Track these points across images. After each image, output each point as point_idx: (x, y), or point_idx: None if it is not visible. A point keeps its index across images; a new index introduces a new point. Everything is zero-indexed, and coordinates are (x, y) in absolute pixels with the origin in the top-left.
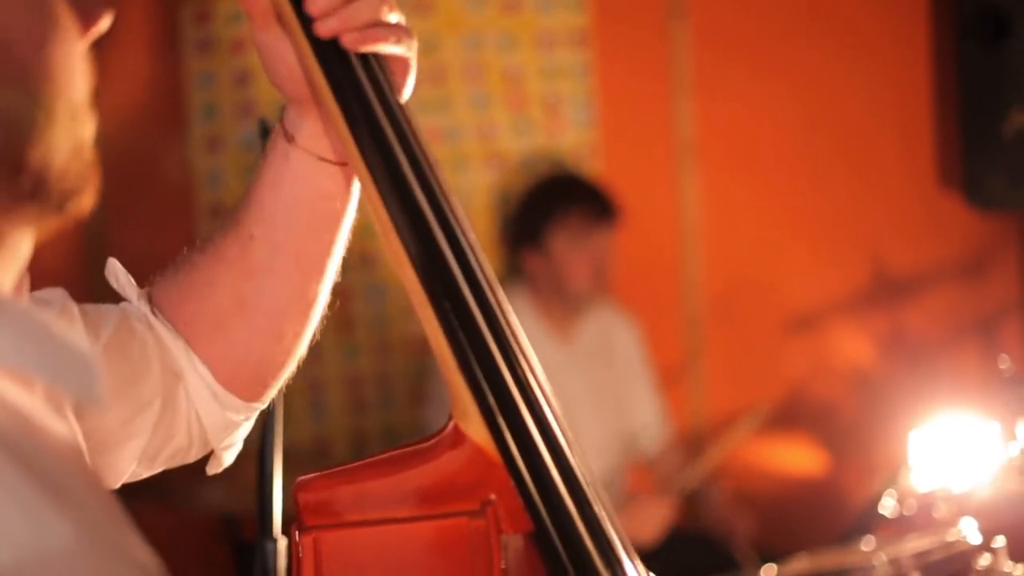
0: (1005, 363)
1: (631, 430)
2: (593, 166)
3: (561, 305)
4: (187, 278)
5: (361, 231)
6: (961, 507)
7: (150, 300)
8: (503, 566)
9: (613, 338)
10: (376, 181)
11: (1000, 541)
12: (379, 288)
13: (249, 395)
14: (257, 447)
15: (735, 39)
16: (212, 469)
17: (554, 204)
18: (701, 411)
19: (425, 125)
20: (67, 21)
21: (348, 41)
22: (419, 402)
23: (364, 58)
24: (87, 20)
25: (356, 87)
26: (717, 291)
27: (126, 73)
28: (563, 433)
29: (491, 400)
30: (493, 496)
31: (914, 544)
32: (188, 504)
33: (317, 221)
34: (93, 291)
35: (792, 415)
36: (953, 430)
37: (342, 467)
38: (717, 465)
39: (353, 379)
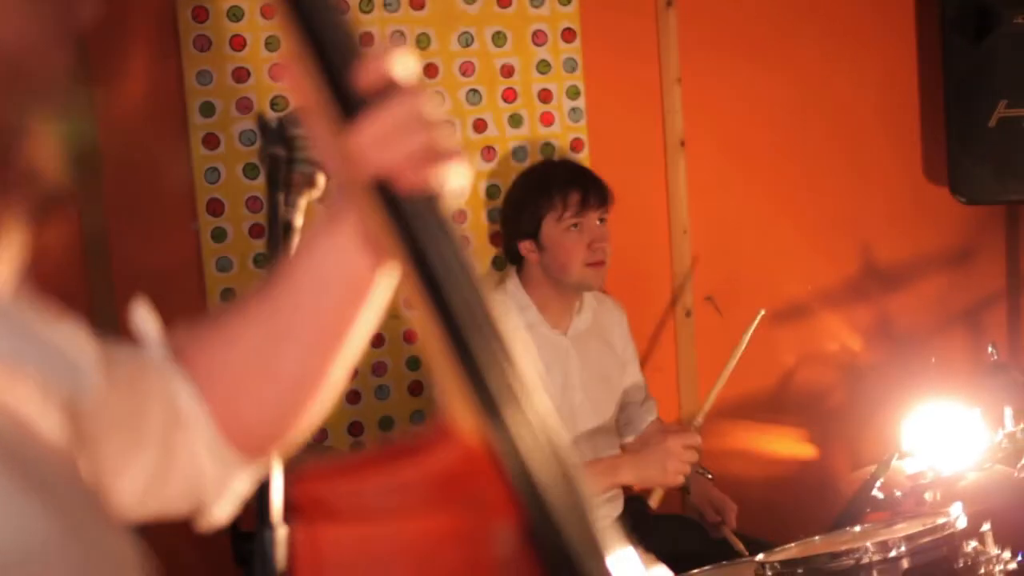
0: (992, 351)
1: (625, 412)
2: (584, 158)
3: (558, 294)
4: (209, 332)
5: None
6: (949, 492)
7: (166, 346)
8: (496, 556)
9: (604, 321)
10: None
11: (987, 525)
12: None
13: (250, 454)
14: None
15: (724, 34)
16: (202, 524)
17: (543, 193)
18: (693, 401)
19: None
20: (50, 19)
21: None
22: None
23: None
24: (72, 17)
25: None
26: (707, 282)
27: (126, 70)
28: (552, 424)
29: (481, 394)
30: (486, 487)
31: (902, 528)
32: None
33: (346, 299)
34: (92, 287)
35: (782, 403)
36: (941, 417)
37: (340, 460)
38: (723, 392)
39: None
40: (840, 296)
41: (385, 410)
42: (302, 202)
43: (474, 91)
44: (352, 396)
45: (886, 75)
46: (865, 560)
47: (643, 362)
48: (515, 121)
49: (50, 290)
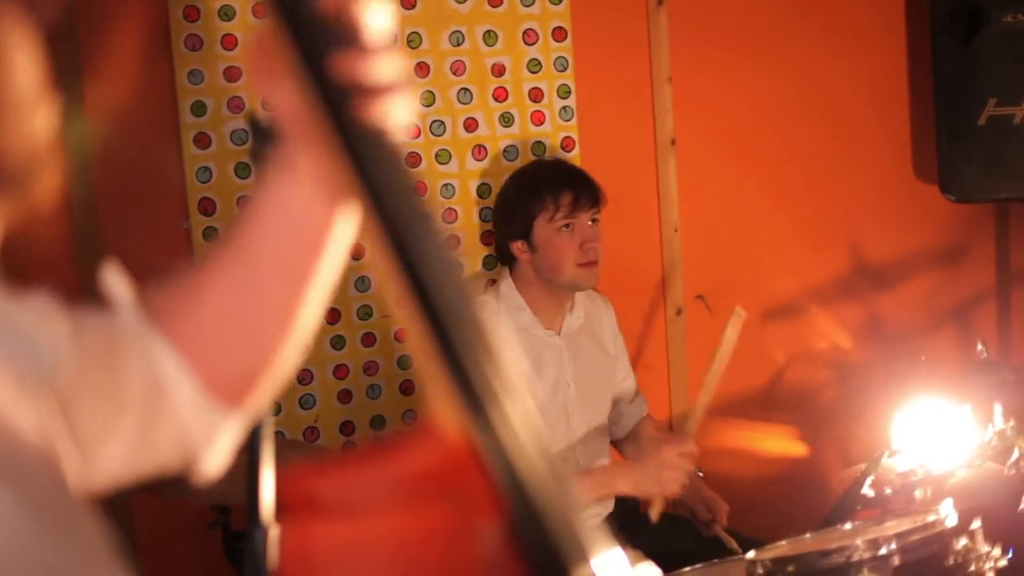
0: (981, 349)
1: (616, 409)
2: (575, 157)
3: (550, 294)
4: (178, 290)
5: None
6: (939, 490)
7: (139, 308)
8: (482, 553)
9: (594, 317)
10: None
11: (977, 523)
12: (365, 279)
13: (233, 402)
14: (247, 436)
15: (715, 33)
16: (197, 476)
17: (535, 194)
18: (683, 399)
19: None
20: (10, 20)
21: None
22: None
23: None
24: (38, 16)
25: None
26: (698, 280)
27: (117, 70)
28: (537, 422)
29: (466, 392)
30: (471, 486)
31: (893, 526)
32: (179, 493)
33: (308, 243)
34: (85, 283)
35: (773, 401)
36: (931, 415)
37: (327, 458)
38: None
39: (340, 369)
40: (830, 294)
41: (377, 409)
42: None
43: (465, 90)
44: (344, 395)
45: (876, 74)
46: (855, 558)
47: (634, 360)
48: (506, 120)
49: (40, 288)
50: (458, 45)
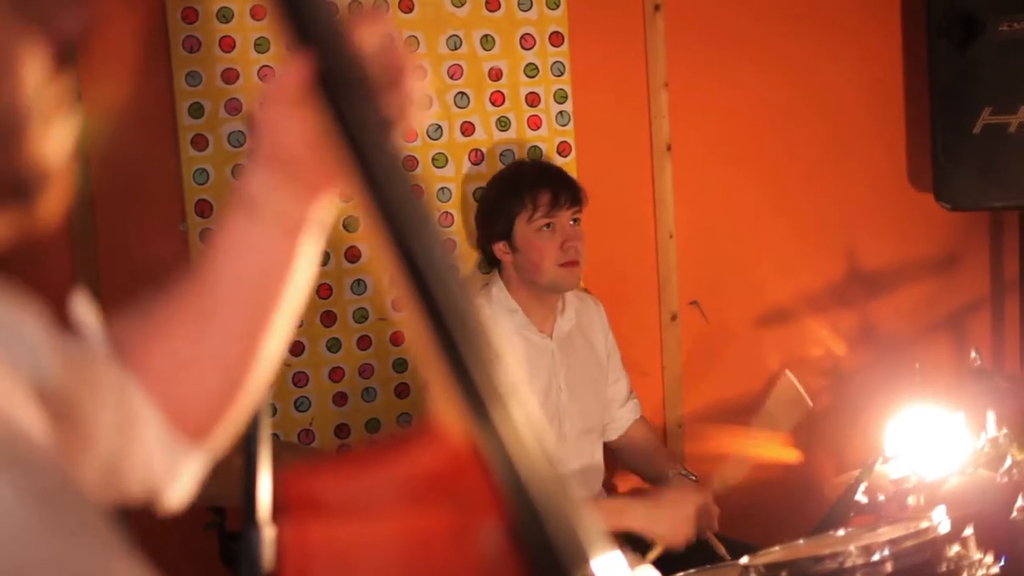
0: (975, 357)
1: (608, 411)
2: (571, 162)
3: (537, 296)
4: (138, 324)
5: (345, 226)
6: (932, 497)
7: (107, 340)
8: (483, 554)
9: (585, 319)
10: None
11: (969, 530)
12: (361, 282)
13: (196, 437)
14: (243, 436)
15: (712, 39)
16: (159, 510)
17: (515, 194)
18: (678, 405)
19: None
20: (24, 37)
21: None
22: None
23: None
24: (53, 32)
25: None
26: (693, 286)
27: (114, 72)
28: (539, 423)
29: (469, 392)
30: (473, 486)
31: (886, 532)
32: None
33: (270, 284)
34: (80, 286)
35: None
36: (925, 422)
37: (329, 459)
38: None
39: (336, 372)
40: (825, 301)
41: (372, 412)
42: None
43: (462, 94)
44: (339, 398)
45: (873, 80)
46: (849, 563)
47: (628, 366)
48: (503, 124)
49: (37, 291)
50: (455, 49)
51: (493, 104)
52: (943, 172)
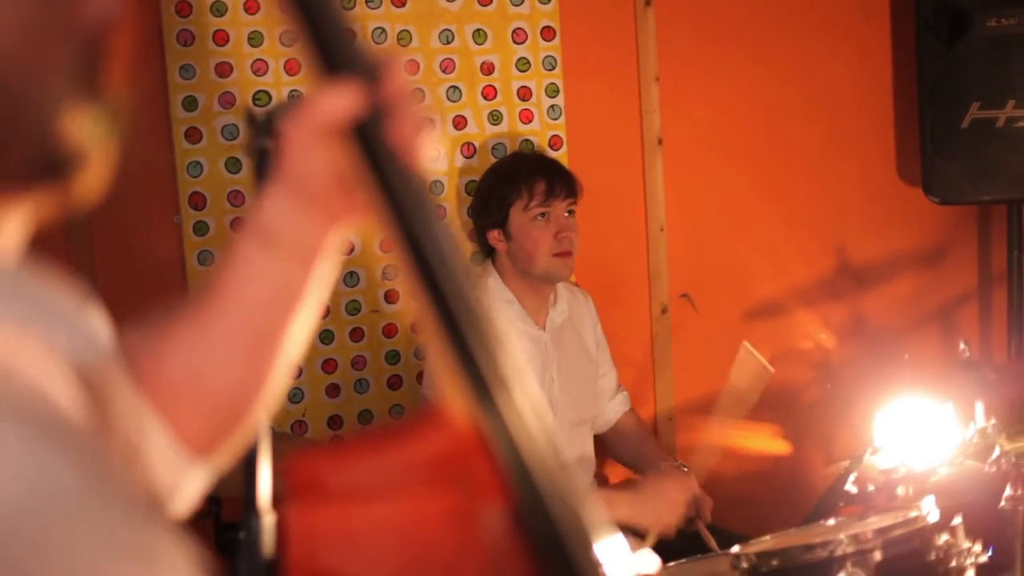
0: (963, 348)
1: (598, 403)
2: (562, 155)
3: (531, 286)
4: (146, 343)
5: None
6: (921, 486)
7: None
8: (486, 537)
9: (576, 312)
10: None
11: (958, 519)
12: (354, 274)
13: (201, 453)
14: None
15: (702, 33)
16: None
17: (511, 183)
18: (669, 398)
19: None
20: (63, 19)
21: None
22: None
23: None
24: (74, 21)
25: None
26: (684, 279)
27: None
28: (541, 408)
29: (473, 377)
30: (477, 470)
31: (875, 521)
32: None
33: (279, 312)
34: (74, 279)
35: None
36: (913, 413)
37: (331, 445)
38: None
39: (328, 363)
40: (815, 294)
41: (364, 403)
42: None
43: (454, 88)
44: (332, 390)
45: (862, 77)
46: (839, 552)
47: (619, 358)
48: (494, 118)
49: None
50: (448, 43)
51: (485, 98)
52: (932, 166)
